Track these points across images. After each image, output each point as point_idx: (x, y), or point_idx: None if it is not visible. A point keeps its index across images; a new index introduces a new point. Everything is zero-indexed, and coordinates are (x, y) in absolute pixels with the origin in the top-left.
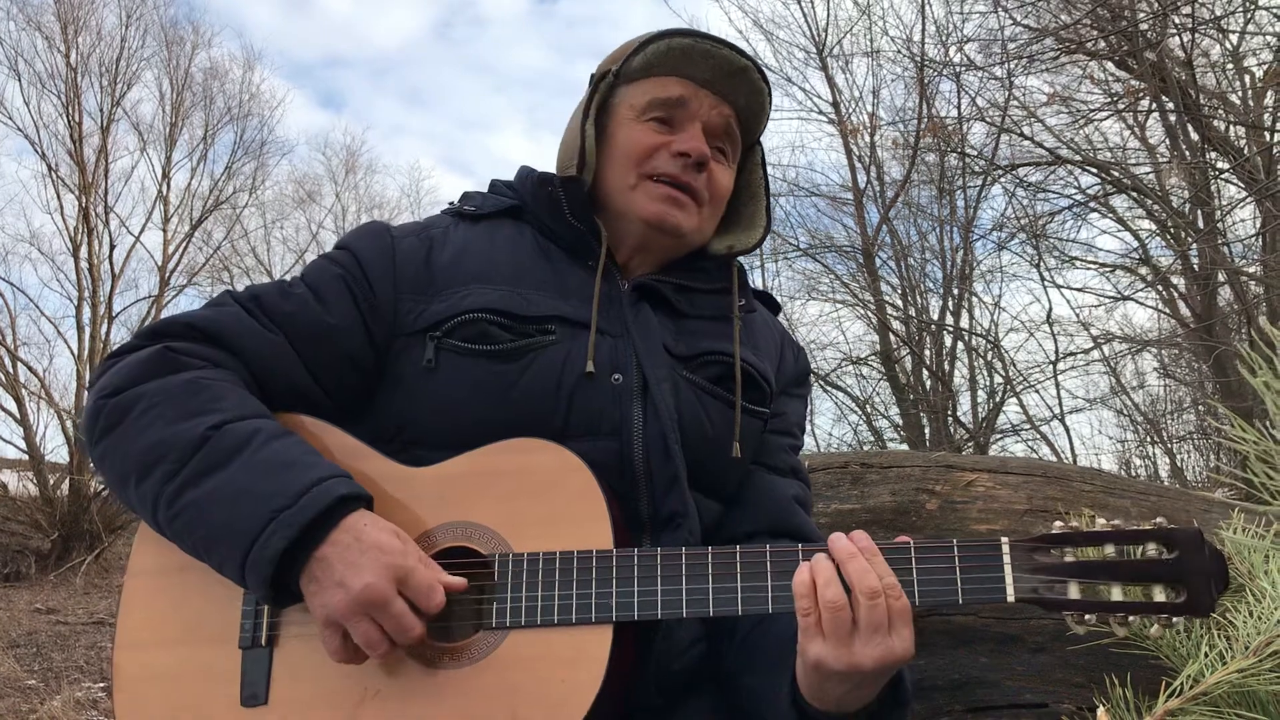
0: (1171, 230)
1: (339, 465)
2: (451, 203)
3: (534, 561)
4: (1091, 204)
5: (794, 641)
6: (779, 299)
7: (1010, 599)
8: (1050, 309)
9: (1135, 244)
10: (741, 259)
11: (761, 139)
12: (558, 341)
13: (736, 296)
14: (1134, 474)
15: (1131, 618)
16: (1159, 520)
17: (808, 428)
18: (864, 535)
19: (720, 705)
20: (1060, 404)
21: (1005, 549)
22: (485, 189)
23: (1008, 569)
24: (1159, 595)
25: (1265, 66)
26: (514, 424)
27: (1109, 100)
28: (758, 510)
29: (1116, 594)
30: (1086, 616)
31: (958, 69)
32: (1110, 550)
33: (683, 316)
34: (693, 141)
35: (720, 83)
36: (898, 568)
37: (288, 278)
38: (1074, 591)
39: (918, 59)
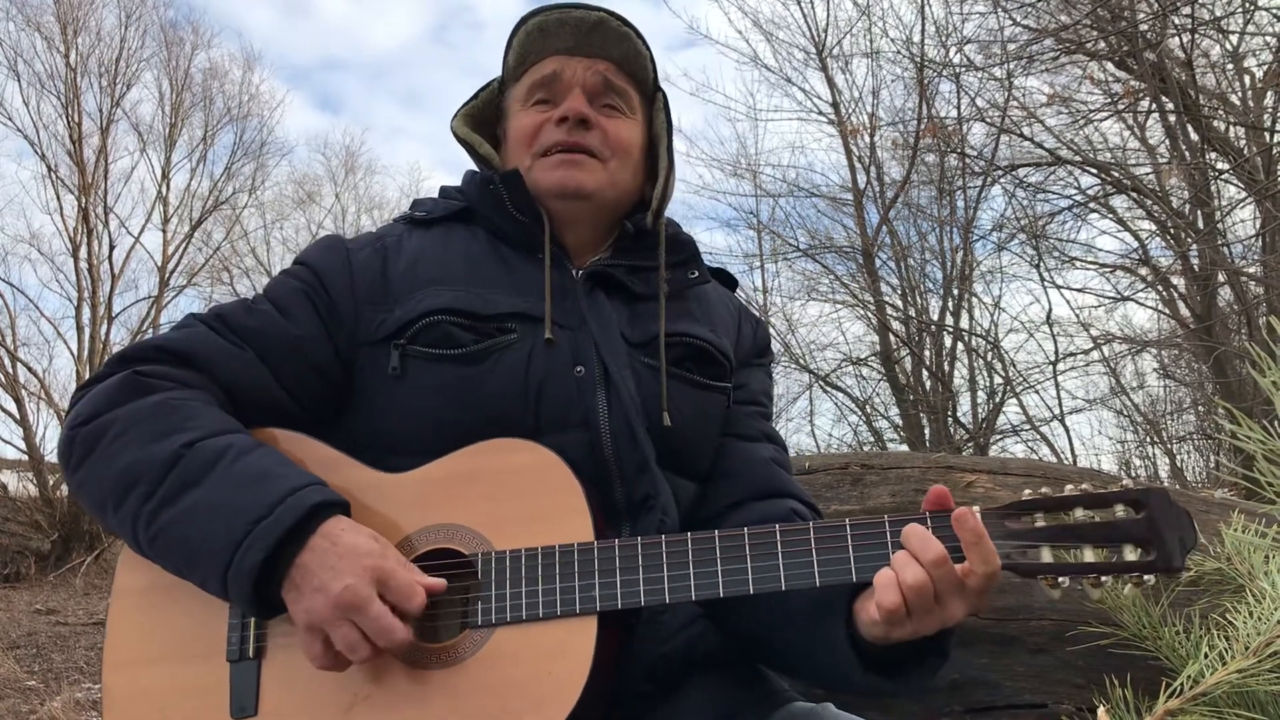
0: (1171, 231)
1: (316, 475)
2: (403, 211)
3: (516, 558)
4: (1091, 204)
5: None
6: (778, 299)
7: None
8: (1050, 310)
9: (1135, 244)
10: (739, 260)
11: (662, 85)
12: (519, 340)
13: (663, 260)
14: (1134, 474)
15: (1104, 578)
16: (1125, 481)
17: (807, 427)
18: (972, 518)
19: (721, 692)
20: (1060, 404)
21: (977, 517)
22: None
23: None
24: (1130, 555)
25: (1265, 67)
26: (485, 425)
27: (1109, 101)
28: (738, 479)
29: (1089, 556)
30: (1060, 580)
31: (957, 69)
32: (1080, 514)
33: (638, 299)
34: (569, 103)
35: (584, 44)
36: (872, 543)
37: (249, 297)
38: (1046, 556)
39: (917, 60)
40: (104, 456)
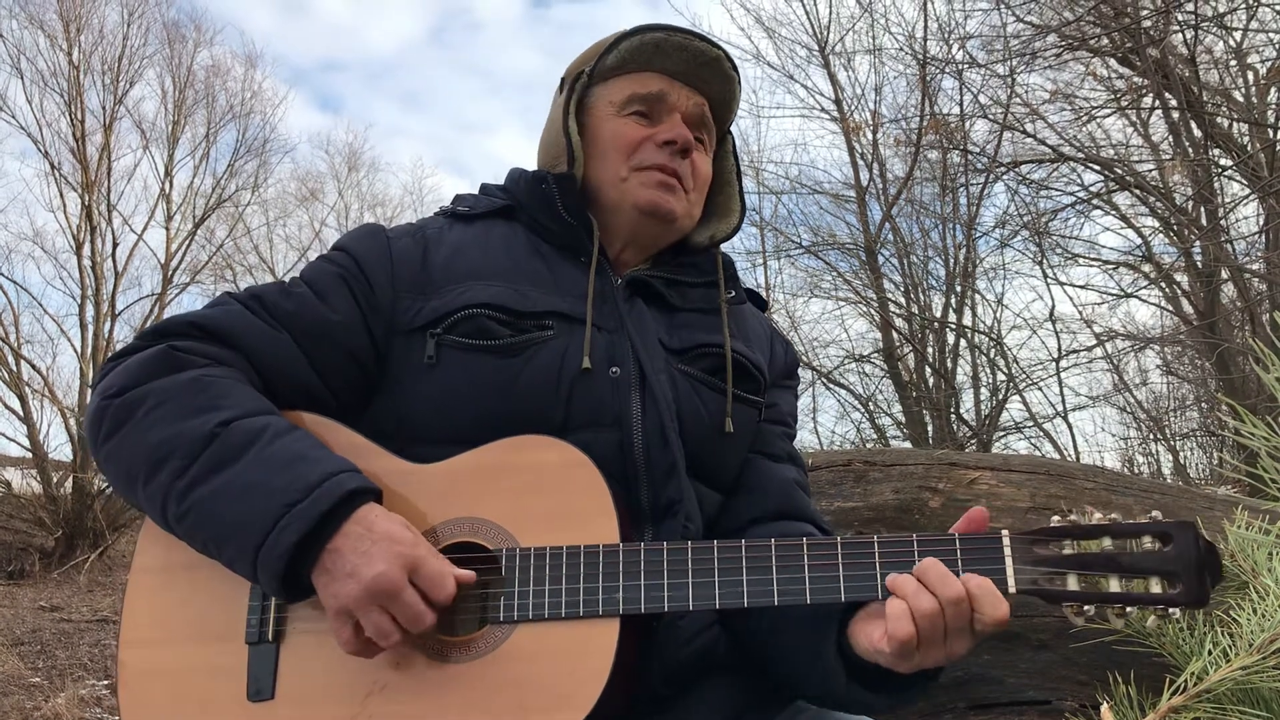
0: (1174, 227)
1: (349, 461)
2: (444, 205)
3: (540, 556)
4: (1094, 201)
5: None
6: (781, 296)
7: (1011, 590)
8: (1053, 306)
9: (1138, 241)
10: (741, 257)
11: (732, 128)
12: (556, 336)
13: (723, 285)
14: (1137, 471)
15: (1129, 609)
16: (1154, 514)
17: (810, 425)
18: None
19: (730, 695)
20: (1063, 401)
21: (1006, 541)
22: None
23: (1008, 561)
24: (1155, 587)
25: (1268, 63)
26: (515, 418)
27: (1112, 97)
28: (760, 496)
29: (1114, 586)
30: (1085, 608)
31: (960, 66)
32: (1107, 543)
33: (675, 310)
34: (677, 129)
35: (693, 74)
36: (899, 561)
37: (287, 279)
38: (1073, 583)
39: (920, 56)
40: (136, 430)
